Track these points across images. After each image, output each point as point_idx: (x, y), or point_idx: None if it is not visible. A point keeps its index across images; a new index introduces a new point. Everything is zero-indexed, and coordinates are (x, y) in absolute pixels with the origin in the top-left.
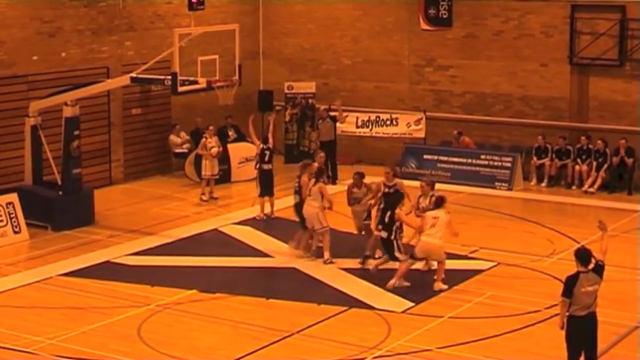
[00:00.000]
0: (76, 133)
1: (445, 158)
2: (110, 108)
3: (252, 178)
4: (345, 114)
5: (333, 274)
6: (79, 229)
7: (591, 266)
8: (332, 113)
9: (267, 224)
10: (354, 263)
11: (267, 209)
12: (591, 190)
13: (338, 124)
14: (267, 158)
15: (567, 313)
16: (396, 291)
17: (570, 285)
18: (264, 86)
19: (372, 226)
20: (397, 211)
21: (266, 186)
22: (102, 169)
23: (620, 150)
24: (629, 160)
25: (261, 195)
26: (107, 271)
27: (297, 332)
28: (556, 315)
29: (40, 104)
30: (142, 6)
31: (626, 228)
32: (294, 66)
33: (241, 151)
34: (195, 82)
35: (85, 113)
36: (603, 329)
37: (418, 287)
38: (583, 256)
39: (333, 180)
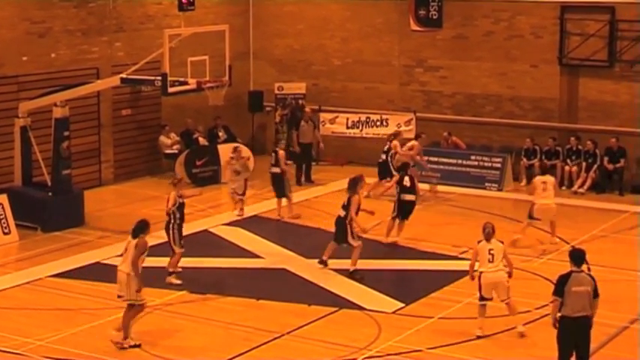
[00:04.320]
0: (66, 134)
1: (435, 159)
2: (100, 109)
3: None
4: (334, 114)
5: (323, 274)
6: (69, 230)
7: (585, 267)
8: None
9: (257, 225)
10: (343, 264)
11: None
12: (581, 190)
13: (328, 125)
14: (273, 161)
15: (559, 314)
16: (386, 291)
17: (561, 283)
18: (254, 87)
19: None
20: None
21: (275, 189)
22: (92, 170)
23: (612, 148)
24: (622, 160)
25: (276, 197)
26: (97, 272)
27: (288, 333)
28: (546, 315)
29: (29, 105)
30: (131, 7)
31: (616, 228)
32: (284, 67)
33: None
34: (186, 83)
35: (75, 114)
36: (594, 329)
37: (408, 288)
38: (576, 256)
39: (308, 180)
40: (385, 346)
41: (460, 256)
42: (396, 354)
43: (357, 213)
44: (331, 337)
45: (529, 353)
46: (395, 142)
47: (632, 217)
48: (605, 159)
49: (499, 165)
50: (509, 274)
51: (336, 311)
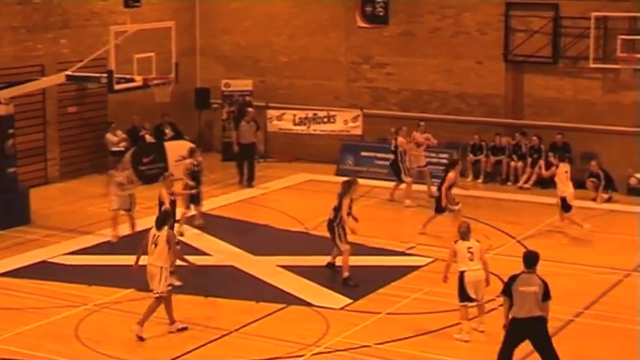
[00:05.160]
0: (11, 131)
1: (382, 155)
2: (45, 106)
3: None
4: (281, 111)
5: (271, 271)
6: (15, 228)
7: (535, 269)
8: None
9: (205, 222)
10: (291, 260)
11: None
12: (526, 186)
13: (275, 122)
14: None
15: (510, 315)
16: (334, 287)
17: (509, 283)
18: (201, 84)
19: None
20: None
21: None
22: (37, 167)
23: (557, 144)
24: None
25: None
26: (43, 270)
27: (236, 330)
28: (492, 310)
29: None
30: (77, 3)
31: (561, 223)
32: (231, 63)
33: (178, 149)
34: (132, 80)
35: (20, 111)
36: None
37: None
38: (528, 258)
39: (250, 182)
40: (333, 342)
41: (407, 251)
42: (344, 350)
43: (348, 215)
44: (279, 333)
45: (474, 348)
46: (400, 139)
47: (576, 212)
48: (550, 154)
49: (446, 161)
50: (486, 275)
51: (284, 308)
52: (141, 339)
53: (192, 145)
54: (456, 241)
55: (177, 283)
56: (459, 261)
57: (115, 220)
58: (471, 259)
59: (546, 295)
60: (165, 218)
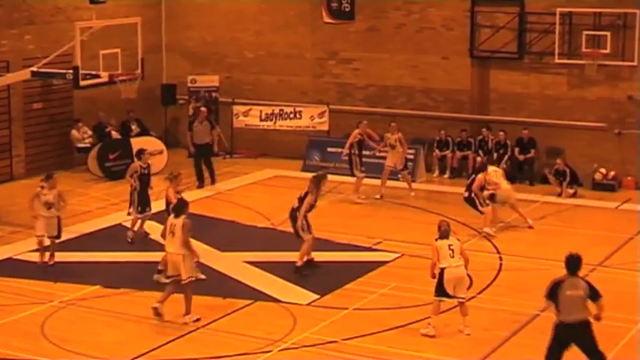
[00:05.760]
0: None
1: (348, 151)
2: (10, 102)
3: (155, 172)
4: (248, 107)
5: (238, 267)
6: None
7: (579, 273)
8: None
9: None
10: (258, 256)
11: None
12: None
13: (242, 118)
14: None
15: (557, 320)
16: (301, 283)
17: (554, 288)
18: (167, 80)
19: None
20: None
21: None
22: (3, 164)
23: (523, 139)
24: (532, 151)
25: None
26: (9, 267)
27: (203, 326)
28: (454, 307)
29: None
30: None
31: (527, 218)
32: (198, 59)
33: (144, 145)
34: (98, 76)
35: None
36: (504, 318)
37: (323, 279)
38: (571, 262)
39: (212, 181)
40: (300, 338)
41: (374, 247)
42: (311, 345)
43: (310, 209)
44: (247, 329)
45: (440, 342)
46: (355, 132)
47: (542, 207)
48: (516, 150)
49: (412, 156)
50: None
51: (251, 304)
52: (197, 320)
53: (142, 147)
54: (436, 239)
55: (202, 276)
56: (440, 258)
57: (41, 246)
58: (452, 257)
59: (596, 295)
60: (183, 206)
